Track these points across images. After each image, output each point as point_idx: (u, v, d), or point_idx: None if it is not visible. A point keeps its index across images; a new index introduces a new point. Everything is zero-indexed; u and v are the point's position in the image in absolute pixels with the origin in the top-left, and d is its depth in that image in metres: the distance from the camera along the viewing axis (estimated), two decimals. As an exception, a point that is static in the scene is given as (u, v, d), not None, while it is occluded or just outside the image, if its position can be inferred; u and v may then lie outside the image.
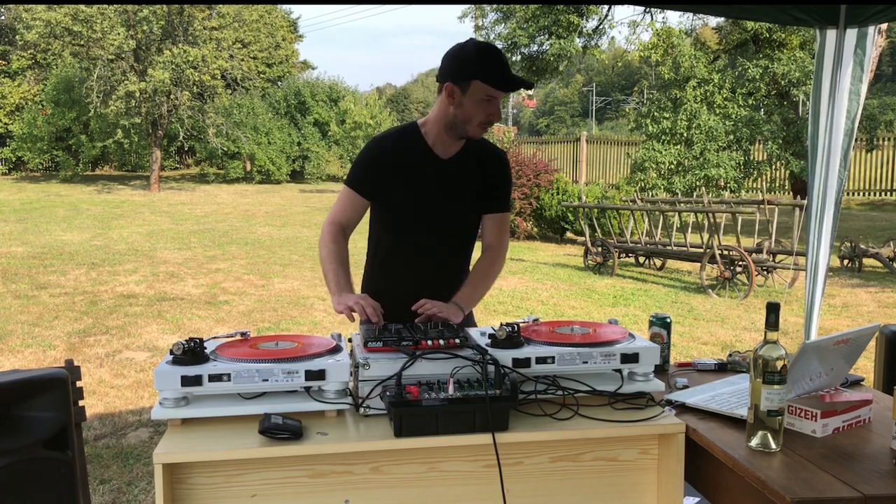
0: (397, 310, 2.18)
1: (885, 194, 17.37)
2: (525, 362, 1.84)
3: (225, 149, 23.04)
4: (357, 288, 2.38)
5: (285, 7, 30.99)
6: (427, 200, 2.30)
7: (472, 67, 2.16)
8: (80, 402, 2.18)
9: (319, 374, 1.75)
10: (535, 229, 12.83)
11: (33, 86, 24.93)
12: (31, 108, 23.76)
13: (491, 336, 1.92)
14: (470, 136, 2.27)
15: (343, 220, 2.35)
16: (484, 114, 2.20)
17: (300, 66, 32.37)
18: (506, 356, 1.83)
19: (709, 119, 13.81)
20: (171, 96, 20.32)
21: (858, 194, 17.61)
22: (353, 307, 2.10)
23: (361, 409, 1.78)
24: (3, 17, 25.30)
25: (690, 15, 16.53)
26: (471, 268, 2.45)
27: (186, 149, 26.74)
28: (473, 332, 2.02)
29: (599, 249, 9.31)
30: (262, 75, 26.96)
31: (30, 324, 6.36)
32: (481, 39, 2.18)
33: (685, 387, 2.08)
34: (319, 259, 2.33)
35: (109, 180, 23.52)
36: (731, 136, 13.95)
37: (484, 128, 2.24)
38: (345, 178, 2.42)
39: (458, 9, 19.48)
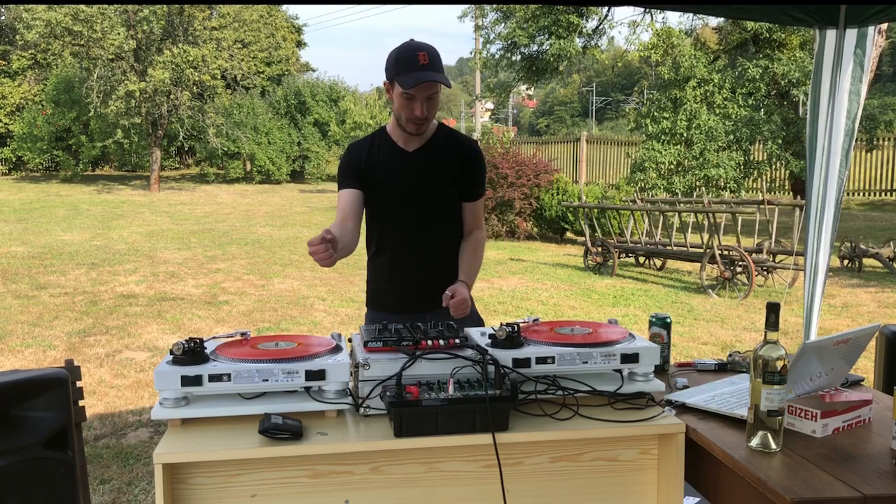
0: (403, 297, 2.43)
1: (885, 194, 17.36)
2: (525, 362, 1.84)
3: (225, 149, 23.03)
4: (363, 286, 2.60)
5: (290, 12, 31.00)
6: (401, 190, 2.42)
7: (391, 68, 2.29)
8: (80, 402, 2.18)
9: (319, 374, 1.76)
10: (535, 229, 12.82)
11: (33, 86, 24.93)
12: (31, 108, 23.75)
13: (491, 336, 1.92)
14: (407, 132, 2.37)
15: (343, 215, 2.35)
16: (408, 110, 2.29)
17: (300, 67, 32.32)
18: (506, 356, 1.83)
19: (709, 119, 13.80)
20: (171, 96, 20.31)
21: (858, 194, 17.60)
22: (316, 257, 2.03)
23: (361, 409, 1.78)
24: (3, 17, 25.29)
25: (690, 15, 16.52)
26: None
27: (186, 149, 26.72)
28: (473, 332, 2.03)
29: (599, 249, 9.31)
30: (261, 75, 26.94)
31: (30, 324, 6.36)
32: (417, 41, 2.30)
33: (685, 387, 2.08)
34: None
35: (109, 180, 23.53)
36: (731, 136, 13.94)
37: (414, 124, 2.33)
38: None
39: (458, 9, 19.48)
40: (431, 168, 2.42)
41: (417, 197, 2.42)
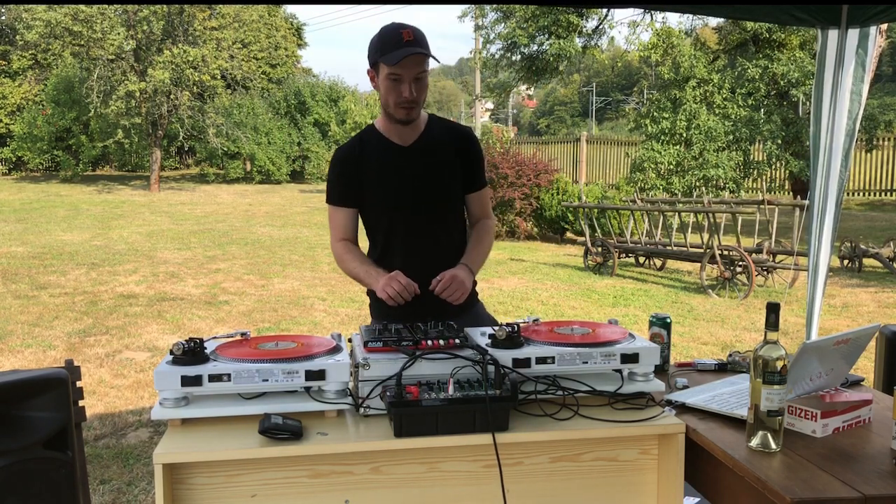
0: (408, 304, 2.20)
1: (885, 194, 17.36)
2: (525, 362, 1.84)
3: (225, 149, 23.02)
4: (363, 292, 2.45)
5: (290, 12, 30.95)
6: (401, 190, 2.30)
7: (374, 51, 2.18)
8: (80, 402, 2.18)
9: (319, 375, 1.76)
10: (535, 229, 12.82)
11: (34, 86, 24.92)
12: (31, 108, 23.75)
13: (491, 336, 1.92)
14: (397, 120, 2.25)
15: (343, 234, 2.38)
16: (395, 94, 2.18)
17: (301, 70, 32.31)
18: (506, 356, 1.83)
19: (708, 119, 13.81)
20: (172, 96, 20.31)
21: (858, 194, 17.60)
22: (392, 296, 2.16)
23: (361, 409, 1.78)
24: (3, 17, 25.28)
25: (690, 15, 16.51)
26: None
27: (186, 149, 26.72)
28: (473, 332, 2.03)
29: (599, 249, 9.31)
30: (263, 76, 26.93)
31: (30, 324, 6.36)
32: (398, 22, 2.28)
33: (685, 387, 2.08)
34: (346, 272, 2.38)
35: (109, 180, 23.52)
36: (731, 137, 13.94)
37: (404, 109, 2.21)
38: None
39: (458, 9, 19.47)
40: (434, 161, 2.31)
41: (423, 194, 2.30)
